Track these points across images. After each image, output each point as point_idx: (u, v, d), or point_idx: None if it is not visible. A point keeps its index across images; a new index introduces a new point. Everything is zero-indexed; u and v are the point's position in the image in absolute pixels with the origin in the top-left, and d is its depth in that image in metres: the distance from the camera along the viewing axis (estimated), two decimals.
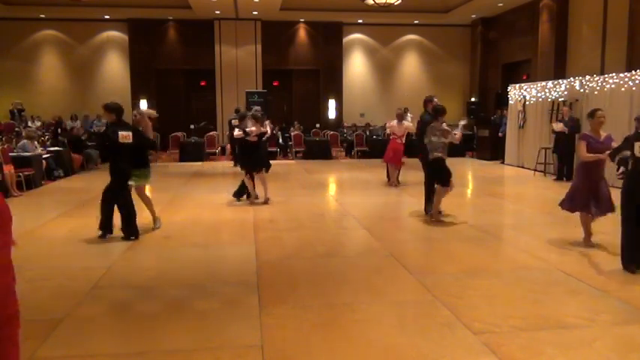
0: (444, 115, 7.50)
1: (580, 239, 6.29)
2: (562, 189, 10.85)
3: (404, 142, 10.96)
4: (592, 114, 6.11)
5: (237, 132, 8.87)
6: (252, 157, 8.85)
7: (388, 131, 11.82)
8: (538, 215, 8.41)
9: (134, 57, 20.40)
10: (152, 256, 6.02)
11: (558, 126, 11.64)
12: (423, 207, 8.08)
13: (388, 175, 11.38)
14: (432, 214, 7.60)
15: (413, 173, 11.91)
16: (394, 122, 11.03)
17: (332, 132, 19.08)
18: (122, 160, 6.44)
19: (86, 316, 4.18)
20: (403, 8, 17.72)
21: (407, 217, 8.04)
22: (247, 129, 8.74)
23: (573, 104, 12.06)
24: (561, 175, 11.80)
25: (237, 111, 15.16)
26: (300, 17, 20.62)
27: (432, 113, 7.79)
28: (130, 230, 6.50)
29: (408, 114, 17.05)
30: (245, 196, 9.25)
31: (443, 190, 7.43)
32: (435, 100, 8.24)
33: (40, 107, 19.71)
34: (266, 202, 8.99)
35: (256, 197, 9.18)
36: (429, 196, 7.87)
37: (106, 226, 6.50)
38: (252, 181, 8.98)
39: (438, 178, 7.47)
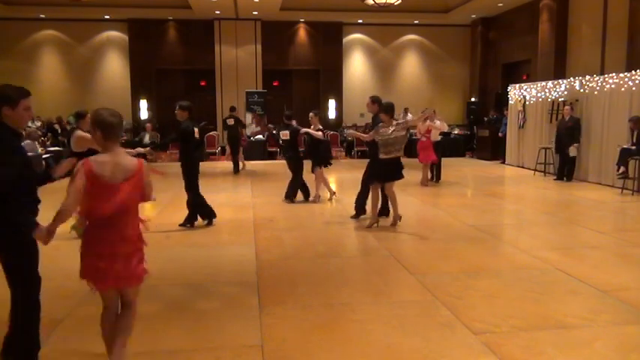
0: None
1: (579, 239, 6.29)
2: (563, 189, 10.90)
3: (431, 139, 10.93)
4: None
5: (317, 133, 9.12)
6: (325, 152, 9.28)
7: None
8: (538, 215, 8.41)
9: (134, 57, 20.38)
10: (152, 256, 6.00)
11: (574, 151, 11.53)
12: (423, 207, 8.07)
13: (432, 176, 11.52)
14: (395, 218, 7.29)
15: (413, 173, 11.92)
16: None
17: (332, 132, 19.07)
18: (194, 153, 7.31)
19: (86, 316, 4.17)
20: (403, 8, 17.71)
21: (407, 217, 8.03)
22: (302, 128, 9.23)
23: (573, 104, 12.06)
24: (562, 175, 11.80)
25: (232, 109, 14.80)
26: (300, 17, 20.61)
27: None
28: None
29: (409, 113, 17.06)
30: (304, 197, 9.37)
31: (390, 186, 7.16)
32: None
33: (40, 107, 19.65)
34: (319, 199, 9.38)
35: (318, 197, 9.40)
36: (366, 197, 7.67)
37: (210, 212, 7.44)
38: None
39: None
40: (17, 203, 3.04)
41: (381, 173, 7.09)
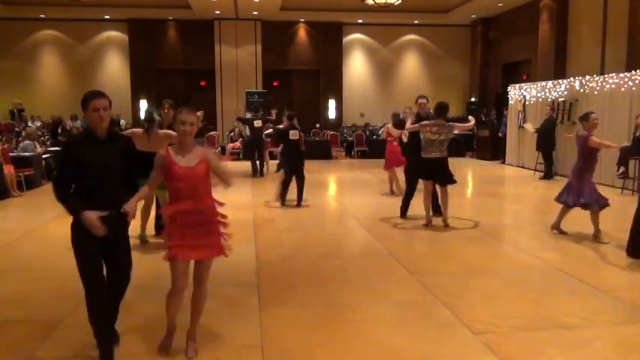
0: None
1: (579, 239, 6.29)
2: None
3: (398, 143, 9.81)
4: (586, 117, 6.35)
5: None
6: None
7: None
8: (538, 215, 8.41)
9: (134, 57, 20.40)
10: (152, 256, 6.01)
11: (529, 125, 12.27)
12: (422, 206, 8.01)
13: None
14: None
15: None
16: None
17: (332, 132, 19.08)
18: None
19: (86, 316, 4.15)
20: (403, 8, 17.73)
21: (407, 217, 8.03)
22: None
23: (573, 104, 12.08)
24: (549, 172, 12.13)
25: (257, 110, 14.14)
26: (300, 17, 20.63)
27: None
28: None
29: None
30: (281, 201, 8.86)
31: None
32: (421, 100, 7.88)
33: (40, 107, 19.71)
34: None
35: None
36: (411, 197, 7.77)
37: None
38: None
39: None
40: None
41: (428, 173, 7.15)
